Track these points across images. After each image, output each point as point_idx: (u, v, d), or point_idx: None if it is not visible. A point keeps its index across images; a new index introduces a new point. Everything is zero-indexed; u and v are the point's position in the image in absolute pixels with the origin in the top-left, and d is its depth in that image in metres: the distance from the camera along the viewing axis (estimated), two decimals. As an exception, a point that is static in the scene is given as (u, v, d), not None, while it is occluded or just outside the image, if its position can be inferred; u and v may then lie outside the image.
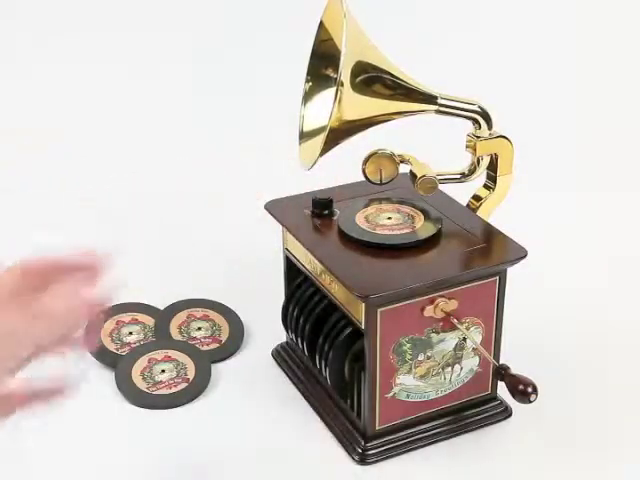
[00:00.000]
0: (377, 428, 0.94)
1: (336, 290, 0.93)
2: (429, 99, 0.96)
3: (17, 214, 1.43)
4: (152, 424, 0.99)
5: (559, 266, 1.26)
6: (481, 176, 1.01)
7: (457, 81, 1.25)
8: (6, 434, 0.98)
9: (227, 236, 1.36)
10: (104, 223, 1.40)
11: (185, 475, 0.93)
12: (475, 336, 0.94)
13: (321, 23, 0.95)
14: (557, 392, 1.02)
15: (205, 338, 1.12)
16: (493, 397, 1.00)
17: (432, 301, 0.90)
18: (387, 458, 0.94)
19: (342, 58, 0.87)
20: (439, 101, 0.96)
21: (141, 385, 1.03)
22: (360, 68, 0.91)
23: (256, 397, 1.03)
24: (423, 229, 0.95)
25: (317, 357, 0.97)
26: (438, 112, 0.97)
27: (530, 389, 0.85)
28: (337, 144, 0.93)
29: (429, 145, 1.15)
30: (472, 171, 1.00)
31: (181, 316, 1.15)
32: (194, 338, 1.12)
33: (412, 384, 0.93)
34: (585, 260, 1.28)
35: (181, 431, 0.98)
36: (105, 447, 0.96)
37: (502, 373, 0.89)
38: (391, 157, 0.96)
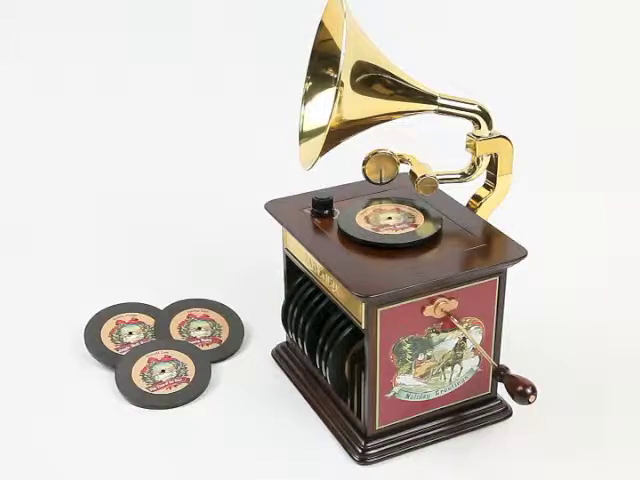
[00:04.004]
0: (377, 428, 0.94)
1: (336, 290, 0.93)
2: (429, 99, 0.96)
3: (17, 215, 1.43)
4: (152, 424, 0.99)
5: (559, 266, 1.26)
6: (481, 176, 1.01)
7: (457, 81, 1.25)
8: (7, 435, 0.98)
9: (227, 236, 1.36)
10: (104, 223, 1.40)
11: (185, 475, 0.93)
12: (475, 336, 0.94)
13: (321, 23, 0.95)
14: (557, 392, 1.02)
15: (205, 338, 1.12)
16: (493, 397, 1.00)
17: (432, 301, 0.90)
18: (387, 458, 0.94)
19: (342, 58, 0.87)
20: (439, 101, 0.96)
21: (141, 385, 1.03)
22: (360, 68, 0.91)
23: (256, 397, 1.03)
24: (423, 229, 0.95)
25: (317, 357, 0.97)
26: (438, 112, 0.97)
27: (529, 390, 0.85)
28: (337, 144, 0.93)
29: (429, 145, 1.15)
30: (472, 171, 1.00)
31: (181, 316, 1.15)
32: (194, 338, 1.12)
33: (412, 384, 0.93)
34: (585, 260, 1.28)
35: (181, 431, 0.98)
36: (105, 447, 0.96)
37: (501, 374, 0.89)
38: (391, 157, 0.96)
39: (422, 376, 0.94)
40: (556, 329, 1.14)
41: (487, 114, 0.97)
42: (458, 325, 0.92)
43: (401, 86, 0.94)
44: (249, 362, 1.10)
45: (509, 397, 0.88)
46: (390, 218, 0.97)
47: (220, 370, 1.08)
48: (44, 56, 1.67)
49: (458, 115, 0.97)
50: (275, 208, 1.02)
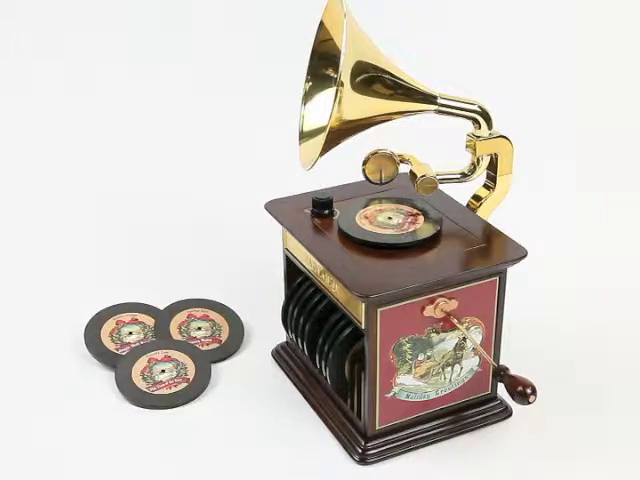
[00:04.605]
0: (377, 428, 0.94)
1: (336, 290, 0.93)
2: (429, 99, 0.96)
3: (17, 215, 1.43)
4: (152, 424, 0.99)
5: (559, 266, 1.26)
6: (481, 176, 1.01)
7: (457, 81, 1.25)
8: (7, 435, 0.98)
9: (227, 236, 1.36)
10: (104, 223, 1.40)
11: (185, 475, 0.93)
12: (475, 336, 0.94)
13: (321, 23, 0.95)
14: (557, 392, 1.02)
15: (205, 338, 1.12)
16: (493, 397, 1.00)
17: (432, 301, 0.90)
18: (387, 458, 0.94)
19: (342, 58, 0.87)
20: (439, 101, 0.96)
21: (141, 385, 1.03)
22: (360, 68, 0.91)
23: (256, 397, 1.03)
24: (423, 229, 0.95)
25: (317, 357, 0.97)
26: (438, 112, 0.97)
27: (529, 390, 0.85)
28: (337, 144, 0.93)
29: (429, 145, 1.15)
30: (472, 171, 1.00)
31: (181, 316, 1.15)
32: (194, 338, 1.12)
33: (412, 384, 0.93)
34: (585, 260, 1.28)
35: (181, 431, 0.98)
36: (105, 447, 0.96)
37: (501, 374, 0.89)
38: (391, 157, 0.96)
39: (422, 376, 0.94)
40: (556, 329, 1.14)
41: (487, 114, 0.97)
42: (458, 325, 0.92)
43: (401, 86, 0.94)
44: (249, 362, 1.10)
45: (509, 397, 0.88)
46: (390, 218, 0.97)
47: (220, 370, 1.08)
48: (44, 56, 1.67)
49: (458, 115, 0.97)
50: (275, 208, 1.02)
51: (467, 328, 0.93)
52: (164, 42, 1.68)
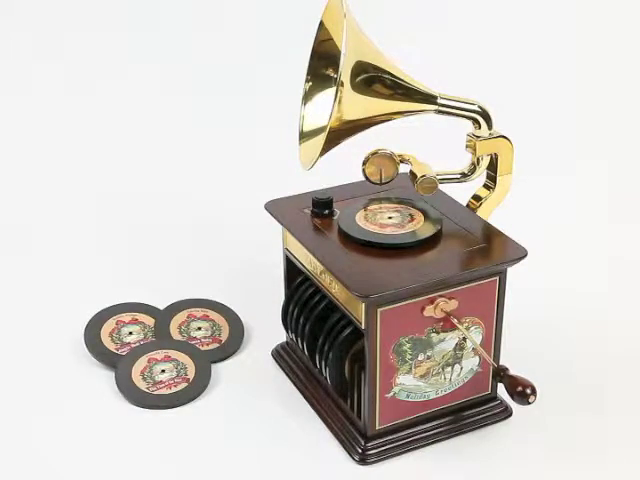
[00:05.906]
0: (377, 428, 0.94)
1: (336, 290, 0.93)
2: (429, 99, 0.96)
3: (17, 215, 1.43)
4: (152, 424, 0.99)
5: (559, 266, 1.26)
6: (481, 176, 1.01)
7: (457, 81, 1.25)
8: (7, 435, 0.98)
9: (227, 236, 1.36)
10: (104, 223, 1.40)
11: (185, 475, 0.93)
12: (475, 336, 0.94)
13: (321, 23, 0.95)
14: (557, 392, 1.02)
15: (205, 338, 1.12)
16: (493, 397, 1.00)
17: (432, 301, 0.90)
18: (387, 458, 0.94)
19: (342, 58, 0.87)
20: (439, 101, 0.96)
21: (141, 385, 1.03)
22: (360, 68, 0.91)
23: (256, 397, 1.03)
24: (423, 229, 0.95)
25: (317, 357, 0.97)
26: (438, 112, 0.97)
27: (529, 390, 0.85)
28: (337, 144, 0.93)
29: (429, 145, 1.15)
30: (472, 171, 1.00)
31: (181, 316, 1.15)
32: (194, 338, 1.12)
33: (412, 384, 0.93)
34: (585, 260, 1.28)
35: (181, 431, 0.98)
36: (105, 447, 0.96)
37: (501, 374, 0.89)
38: (391, 157, 0.96)
39: (422, 376, 0.94)
40: (556, 329, 1.14)
41: (487, 114, 0.98)
42: (458, 325, 0.92)
43: (401, 86, 0.94)
44: (249, 362, 1.10)
45: (509, 397, 0.88)
46: (390, 218, 0.97)
47: (220, 370, 1.08)
48: (44, 56, 1.67)
49: (458, 115, 0.97)
50: (275, 208, 1.02)
51: (467, 328, 0.93)
52: (164, 42, 1.68)
